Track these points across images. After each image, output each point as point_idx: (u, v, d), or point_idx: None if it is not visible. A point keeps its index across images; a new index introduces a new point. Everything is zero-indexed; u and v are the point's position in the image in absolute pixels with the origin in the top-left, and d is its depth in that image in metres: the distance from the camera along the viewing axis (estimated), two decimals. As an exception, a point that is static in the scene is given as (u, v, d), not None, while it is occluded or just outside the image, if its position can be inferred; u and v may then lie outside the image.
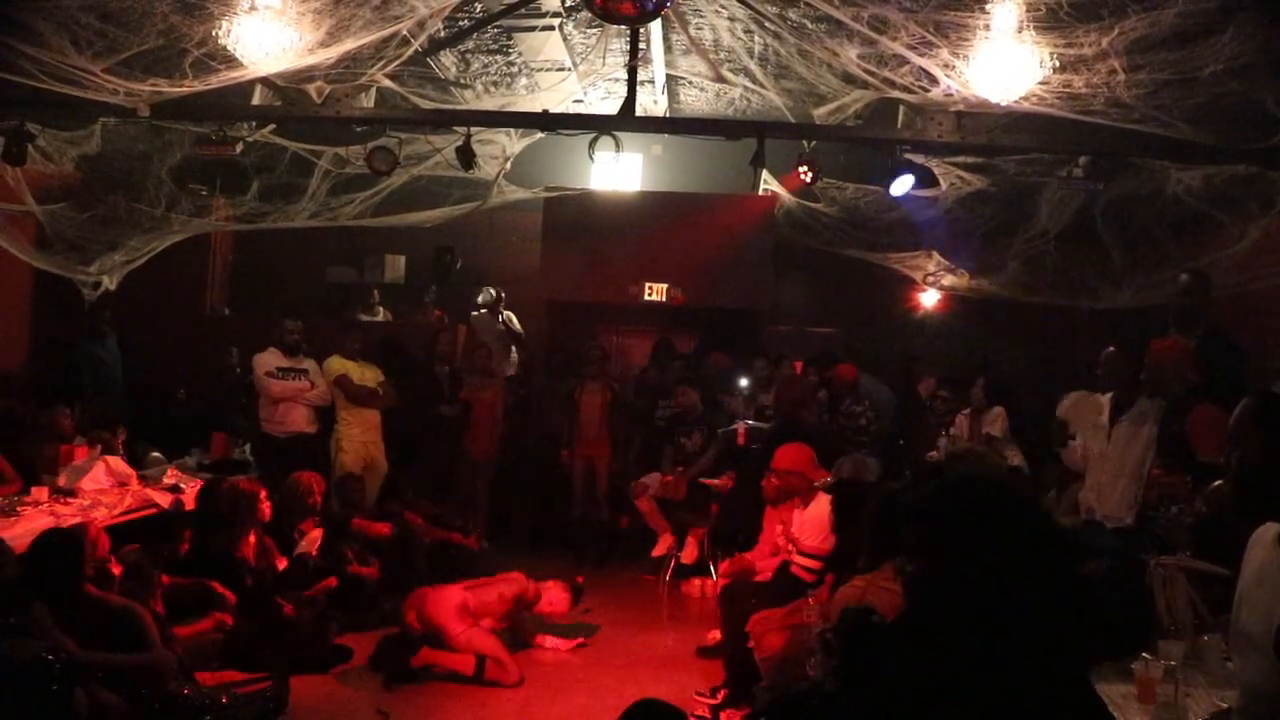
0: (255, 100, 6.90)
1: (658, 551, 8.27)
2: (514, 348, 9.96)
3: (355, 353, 8.40)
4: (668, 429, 8.88)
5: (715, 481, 7.71)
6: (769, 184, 9.13)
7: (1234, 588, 3.02)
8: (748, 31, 6.95)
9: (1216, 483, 3.95)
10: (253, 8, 5.72)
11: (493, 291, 10.08)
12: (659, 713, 3.08)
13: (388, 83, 6.91)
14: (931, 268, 9.84)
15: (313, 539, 6.60)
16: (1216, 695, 3.07)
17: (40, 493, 6.06)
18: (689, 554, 7.99)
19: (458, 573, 7.57)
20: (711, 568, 7.72)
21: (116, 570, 5.03)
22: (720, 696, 5.38)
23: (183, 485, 6.92)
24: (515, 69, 8.27)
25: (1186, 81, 5.43)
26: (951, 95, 6.29)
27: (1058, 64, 5.58)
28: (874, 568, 4.11)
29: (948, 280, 9.94)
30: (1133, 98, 5.58)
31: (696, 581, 8.11)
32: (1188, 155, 6.60)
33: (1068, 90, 5.73)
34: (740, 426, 8.12)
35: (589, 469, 8.94)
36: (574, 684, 5.76)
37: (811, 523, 5.57)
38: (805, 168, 7.35)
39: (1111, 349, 5.50)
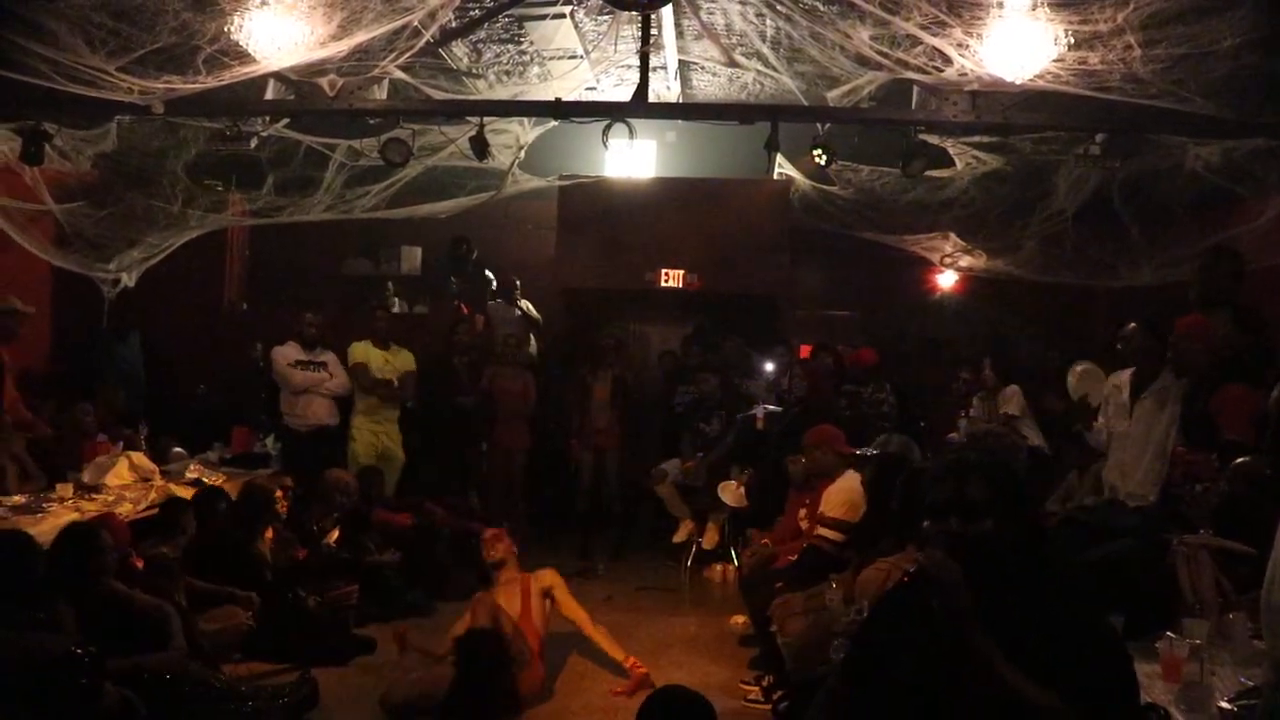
0: (268, 95, 6.92)
1: (678, 538, 8.29)
2: (532, 336, 9.97)
3: (386, 336, 8.41)
4: (686, 415, 8.88)
5: (729, 499, 7.65)
6: (783, 168, 9.09)
7: (1260, 566, 3.00)
8: (759, 15, 6.90)
9: (1240, 459, 3.92)
10: (264, 2, 5.73)
11: (514, 280, 10.10)
12: (682, 699, 3.10)
13: (400, 74, 6.91)
14: (948, 249, 9.79)
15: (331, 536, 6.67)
16: (1242, 674, 3.05)
17: (65, 489, 6.12)
18: (709, 539, 8.01)
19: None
20: (732, 553, 7.74)
21: (139, 564, 5.08)
22: (768, 680, 5.39)
23: (205, 479, 6.97)
24: (527, 58, 8.25)
25: (1204, 55, 5.37)
26: (966, 75, 6.24)
27: (1073, 41, 5.53)
28: (899, 549, 4.11)
29: (965, 261, 9.89)
30: (1149, 73, 5.53)
31: (718, 567, 8.14)
32: (1206, 130, 6.54)
33: (1083, 67, 5.68)
34: (759, 412, 8.12)
35: (598, 459, 8.93)
36: (596, 671, 5.78)
37: (839, 493, 5.59)
38: (819, 151, 7.32)
39: (1133, 325, 5.46)
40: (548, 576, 5.66)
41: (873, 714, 2.18)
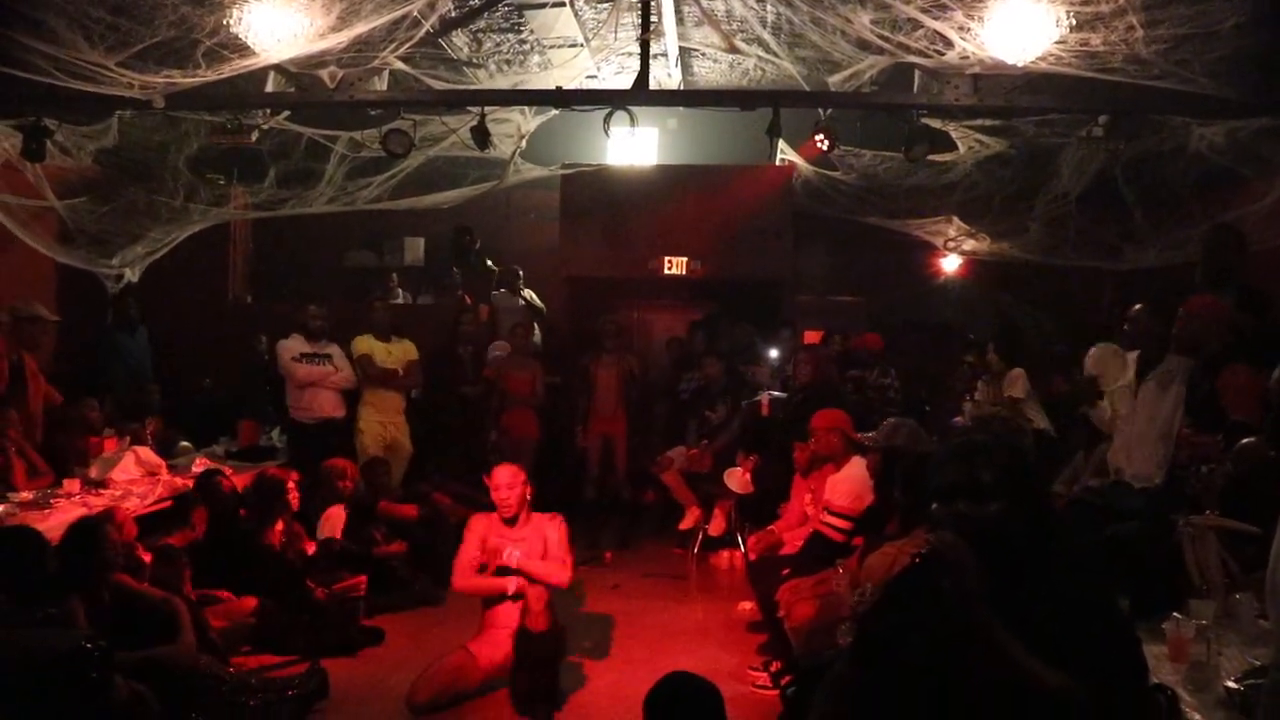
0: (269, 88, 6.92)
1: (685, 525, 8.30)
2: (535, 325, 9.98)
3: (385, 327, 8.40)
4: (692, 402, 8.88)
5: (735, 485, 7.63)
6: (786, 154, 9.08)
7: (1265, 546, 2.99)
8: (760, 1, 6.89)
9: (1244, 440, 3.92)
10: (262, -6, 5.74)
11: (516, 270, 10.10)
12: (691, 685, 3.11)
13: (400, 65, 6.90)
14: (952, 232, 9.78)
15: (334, 522, 6.64)
16: (1249, 653, 3.06)
17: (72, 485, 6.14)
18: (716, 526, 8.02)
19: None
20: (739, 539, 7.74)
21: (146, 558, 5.10)
22: (775, 665, 5.40)
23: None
24: (527, 47, 8.25)
25: (1207, 35, 5.35)
26: (967, 58, 6.22)
27: (1074, 22, 5.51)
28: (906, 533, 4.10)
29: (969, 245, 9.88)
30: (1152, 54, 5.51)
31: (725, 553, 8.15)
32: (1210, 110, 6.52)
33: (1085, 49, 5.66)
34: (764, 398, 8.12)
35: (606, 446, 8.94)
36: (605, 658, 5.80)
37: (844, 482, 5.59)
38: (821, 136, 7.31)
39: (1139, 306, 5.45)
40: (551, 526, 5.40)
41: (881, 697, 2.18)
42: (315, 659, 5.22)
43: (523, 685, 4.96)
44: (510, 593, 5.15)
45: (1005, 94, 6.67)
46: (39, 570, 4.24)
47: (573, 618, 5.67)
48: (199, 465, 7.16)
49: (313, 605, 5.89)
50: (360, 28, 5.95)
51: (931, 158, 7.87)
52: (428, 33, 6.54)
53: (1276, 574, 2.54)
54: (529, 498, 5.40)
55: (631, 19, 7.49)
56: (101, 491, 6.18)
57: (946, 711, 2.10)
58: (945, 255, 10.48)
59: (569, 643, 5.55)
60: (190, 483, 6.61)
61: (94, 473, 6.48)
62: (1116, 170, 7.76)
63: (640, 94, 7.13)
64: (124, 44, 5.72)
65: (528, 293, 10.10)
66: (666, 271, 10.00)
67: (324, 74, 6.74)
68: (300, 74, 6.76)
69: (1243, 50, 5.48)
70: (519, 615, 5.11)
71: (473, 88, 7.99)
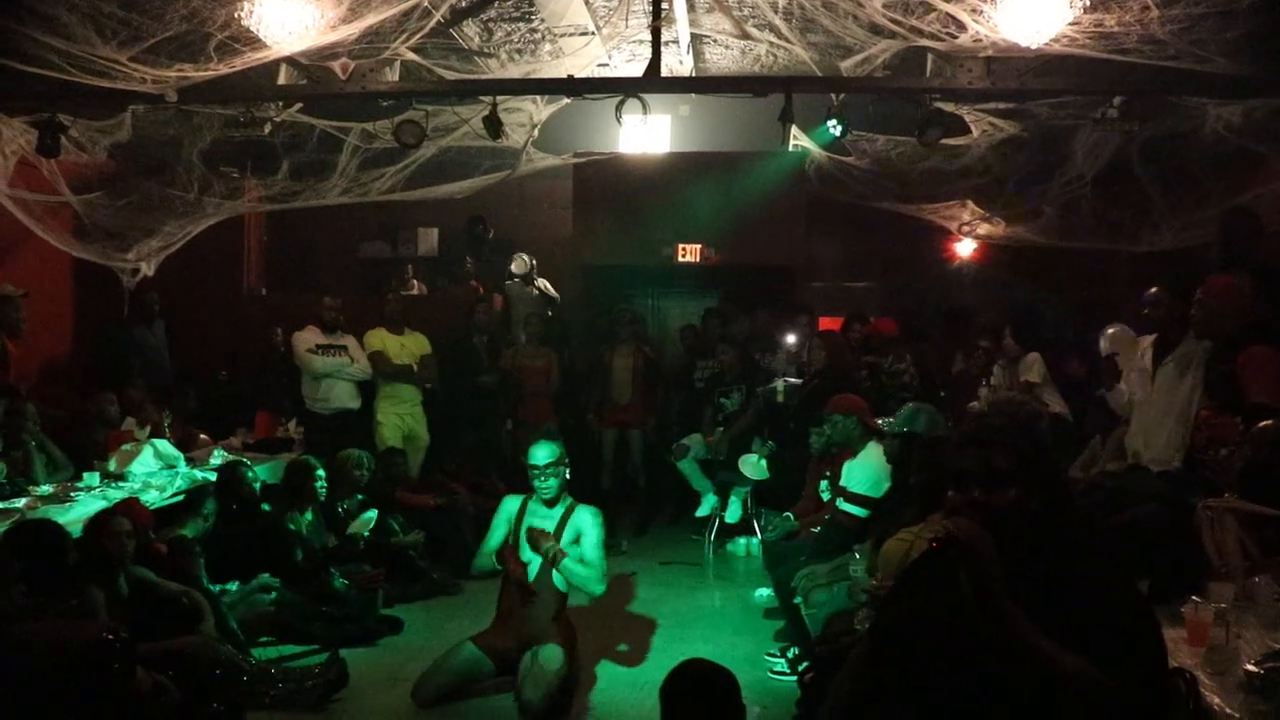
0: (281, 80, 6.91)
1: (701, 512, 8.31)
2: (550, 314, 9.99)
3: (397, 320, 8.43)
4: (707, 389, 8.88)
5: (751, 471, 7.62)
6: (798, 139, 9.03)
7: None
8: (771, -15, 6.85)
9: (1263, 422, 3.89)
10: (273, -13, 5.73)
11: (526, 259, 10.09)
12: (706, 672, 3.11)
13: (411, 56, 6.89)
14: (966, 217, 9.73)
15: (367, 521, 6.68)
16: (1269, 636, 3.04)
17: (92, 478, 6.19)
18: (732, 513, 8.02)
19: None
20: (756, 526, 7.76)
21: (161, 549, 5.14)
22: (793, 652, 5.40)
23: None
24: (538, 35, 8.21)
25: (1224, 14, 5.29)
26: (980, 40, 6.18)
27: (1088, 3, 5.46)
28: (922, 519, 4.10)
29: (983, 229, 9.83)
30: (1168, 34, 5.45)
31: (741, 540, 8.15)
32: (1226, 90, 6.45)
33: (1100, 29, 5.60)
34: (779, 384, 8.12)
35: (621, 436, 8.94)
36: (622, 645, 5.82)
37: (862, 469, 5.59)
38: (834, 121, 7.28)
39: (1157, 288, 5.42)
40: (585, 518, 5.37)
41: (899, 684, 2.18)
42: (334, 649, 5.26)
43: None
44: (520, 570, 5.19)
45: (1019, 76, 6.61)
46: (60, 562, 4.28)
47: (589, 606, 5.68)
48: (218, 456, 7.21)
49: (333, 595, 5.93)
50: (371, 19, 5.95)
51: (945, 142, 7.82)
52: (438, 23, 6.53)
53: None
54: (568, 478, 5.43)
55: (642, 6, 7.45)
56: (121, 485, 6.22)
57: (964, 697, 2.10)
58: (960, 239, 10.43)
59: (586, 636, 5.59)
60: (210, 475, 6.66)
61: (113, 466, 6.53)
62: (1132, 152, 7.69)
63: (652, 81, 7.10)
64: (136, 38, 5.72)
65: (541, 282, 10.09)
66: (680, 259, 10.00)
67: (335, 66, 6.74)
68: (312, 66, 6.76)
69: (1260, 29, 5.41)
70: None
71: (484, 77, 7.97)
